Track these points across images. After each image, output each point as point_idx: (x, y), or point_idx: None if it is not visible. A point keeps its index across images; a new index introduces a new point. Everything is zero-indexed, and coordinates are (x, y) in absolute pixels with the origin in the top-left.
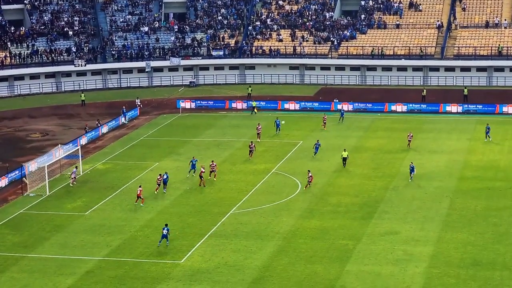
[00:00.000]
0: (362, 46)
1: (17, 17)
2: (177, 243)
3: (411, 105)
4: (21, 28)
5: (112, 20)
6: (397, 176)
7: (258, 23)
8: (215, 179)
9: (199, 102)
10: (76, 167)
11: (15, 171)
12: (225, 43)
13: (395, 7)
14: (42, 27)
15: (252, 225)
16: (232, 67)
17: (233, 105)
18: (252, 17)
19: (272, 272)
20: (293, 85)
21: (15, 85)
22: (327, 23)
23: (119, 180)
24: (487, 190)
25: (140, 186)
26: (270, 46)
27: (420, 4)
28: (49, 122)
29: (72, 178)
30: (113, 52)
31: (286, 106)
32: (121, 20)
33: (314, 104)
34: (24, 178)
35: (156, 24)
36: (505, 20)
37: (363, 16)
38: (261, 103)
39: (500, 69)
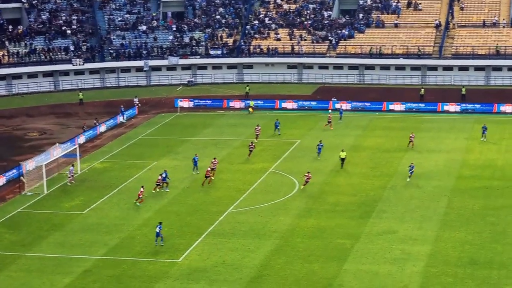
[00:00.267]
0: (360, 45)
1: (15, 15)
2: (175, 242)
3: (409, 104)
4: (19, 27)
5: (110, 19)
6: (395, 175)
7: (256, 22)
8: (213, 177)
9: (197, 101)
10: (73, 165)
11: (13, 170)
12: (223, 42)
13: (393, 6)
14: (40, 25)
15: (250, 224)
16: (230, 66)
17: (231, 104)
18: (250, 16)
19: (270, 271)
20: (291, 84)
21: (13, 84)
22: (325, 22)
23: (117, 179)
24: (485, 189)
25: (142, 187)
26: (268, 45)
27: (420, 4)
28: (47, 121)
29: (70, 177)
30: (111, 51)
31: (284, 105)
32: (119, 19)
33: (312, 103)
34: (21, 177)
35: (154, 23)
36: (503, 19)
37: (361, 15)
38: (259, 102)
39: (498, 68)
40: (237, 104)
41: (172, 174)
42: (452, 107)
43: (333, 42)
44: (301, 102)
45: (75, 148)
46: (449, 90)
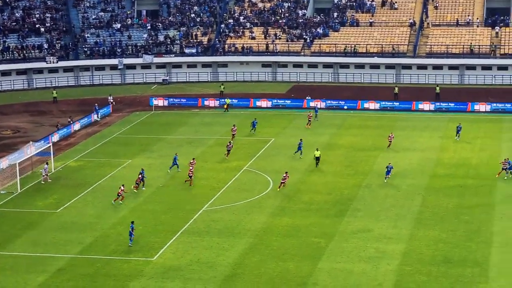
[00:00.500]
0: (335, 44)
1: None
2: (149, 240)
3: (383, 102)
4: None
5: (84, 17)
6: (370, 174)
7: (231, 20)
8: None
9: (172, 99)
10: (47, 163)
11: None
12: (198, 40)
13: (368, 5)
14: (14, 23)
15: (224, 222)
16: (205, 65)
17: (206, 102)
18: (225, 14)
19: (244, 269)
20: (265, 83)
21: None
22: (300, 20)
23: (91, 178)
24: (459, 187)
25: (123, 185)
26: (243, 44)
27: (395, 3)
28: (21, 119)
29: (44, 176)
30: (85, 49)
31: (258, 103)
32: (93, 17)
33: (286, 101)
34: None
35: (128, 21)
36: (477, 18)
37: (335, 13)
38: (233, 100)
39: (471, 67)
40: (211, 102)
41: (147, 172)
42: (426, 106)
43: (308, 40)
44: (275, 101)
45: (49, 146)
46: (424, 89)
